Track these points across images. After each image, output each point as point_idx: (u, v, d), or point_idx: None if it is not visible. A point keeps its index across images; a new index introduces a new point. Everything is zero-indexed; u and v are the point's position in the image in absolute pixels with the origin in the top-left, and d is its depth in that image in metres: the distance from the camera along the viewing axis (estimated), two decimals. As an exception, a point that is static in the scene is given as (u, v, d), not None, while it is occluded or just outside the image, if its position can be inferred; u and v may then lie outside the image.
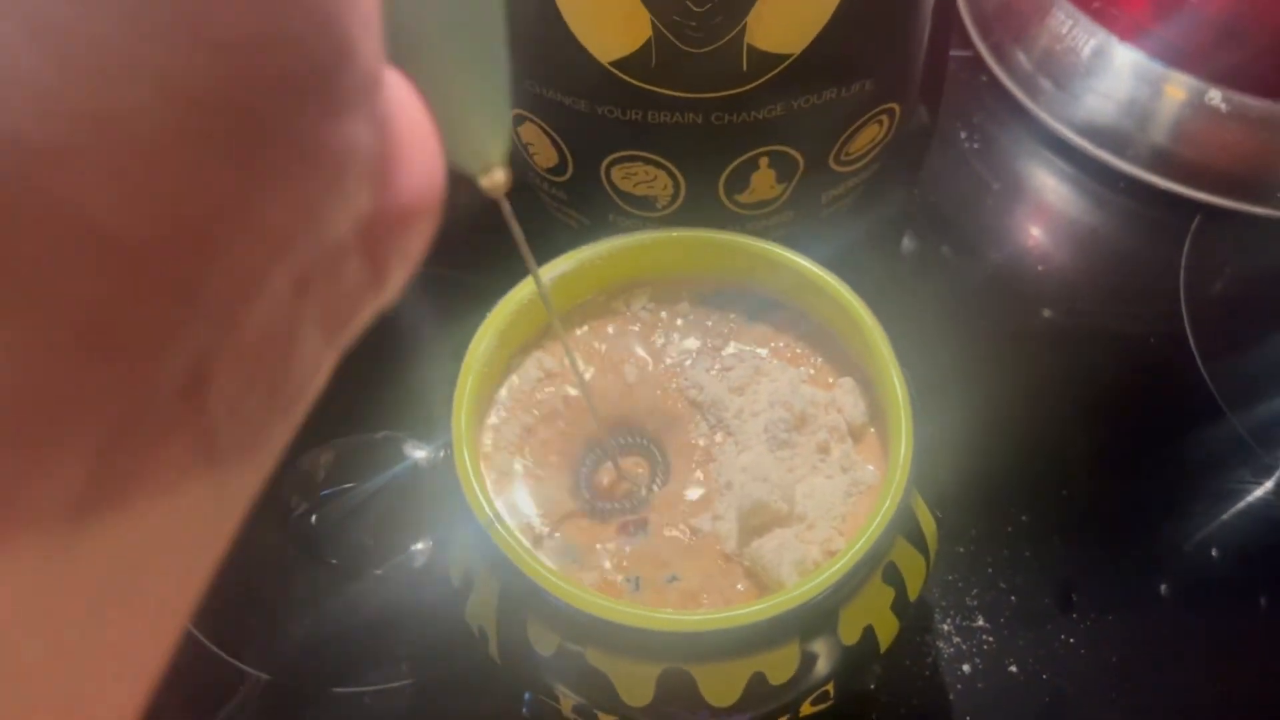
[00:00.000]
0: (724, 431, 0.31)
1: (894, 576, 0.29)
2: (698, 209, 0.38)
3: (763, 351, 0.33)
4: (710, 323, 0.34)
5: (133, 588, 0.12)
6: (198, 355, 0.11)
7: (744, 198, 0.38)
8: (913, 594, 0.30)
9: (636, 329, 0.34)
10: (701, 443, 0.31)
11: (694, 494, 0.30)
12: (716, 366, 0.33)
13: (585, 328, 0.34)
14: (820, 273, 0.32)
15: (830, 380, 0.33)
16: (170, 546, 0.12)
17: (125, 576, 0.12)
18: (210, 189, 0.10)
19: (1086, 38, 0.49)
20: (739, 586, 0.29)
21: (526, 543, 0.28)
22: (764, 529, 0.29)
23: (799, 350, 0.33)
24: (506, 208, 0.21)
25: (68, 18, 0.09)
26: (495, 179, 0.19)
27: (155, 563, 0.12)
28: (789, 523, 0.29)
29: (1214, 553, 0.40)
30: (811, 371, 0.33)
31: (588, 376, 0.32)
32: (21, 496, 0.10)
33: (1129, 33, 0.48)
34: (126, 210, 0.10)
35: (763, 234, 0.33)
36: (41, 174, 0.09)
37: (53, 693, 0.11)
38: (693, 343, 0.33)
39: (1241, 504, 0.41)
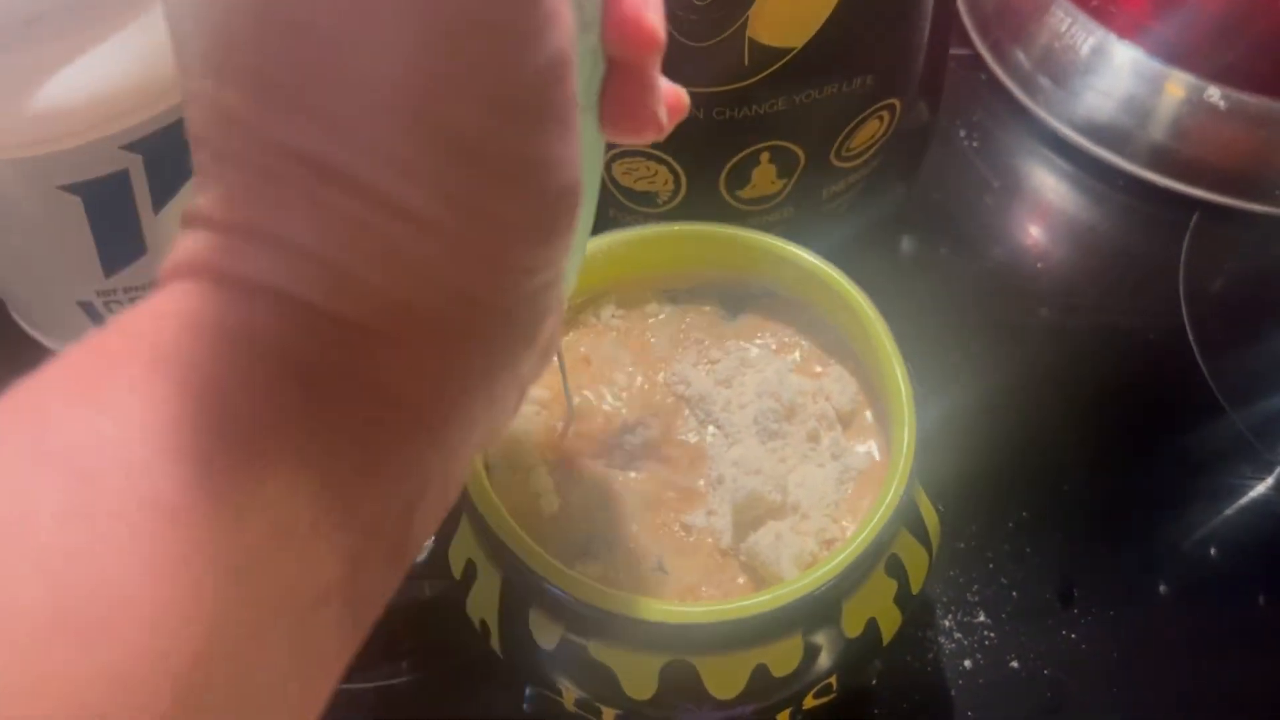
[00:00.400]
0: (714, 425, 0.31)
1: (897, 569, 0.29)
2: (699, 204, 0.38)
3: (747, 344, 0.33)
4: (689, 319, 0.34)
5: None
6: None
7: (745, 193, 0.38)
8: (915, 587, 0.30)
9: (613, 335, 0.33)
10: (692, 439, 0.31)
11: (686, 490, 0.30)
12: (704, 361, 0.33)
13: (569, 334, 0.33)
14: (819, 263, 0.32)
15: (818, 368, 0.33)
16: None
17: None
18: None
19: (1085, 35, 0.49)
20: (739, 580, 0.29)
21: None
22: (758, 522, 0.29)
23: (786, 339, 0.33)
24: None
25: None
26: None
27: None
28: (783, 514, 0.29)
29: (1213, 550, 0.40)
30: (798, 359, 0.33)
31: (576, 401, 0.31)
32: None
33: (1128, 30, 0.48)
34: None
35: (764, 229, 0.33)
36: None
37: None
38: (677, 339, 0.33)
39: (1242, 500, 0.41)
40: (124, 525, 0.13)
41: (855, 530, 0.27)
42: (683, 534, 0.29)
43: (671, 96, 0.21)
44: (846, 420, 0.31)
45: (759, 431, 0.30)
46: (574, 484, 0.30)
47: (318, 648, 0.15)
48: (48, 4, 0.29)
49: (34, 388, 0.14)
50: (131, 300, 0.36)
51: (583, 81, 0.18)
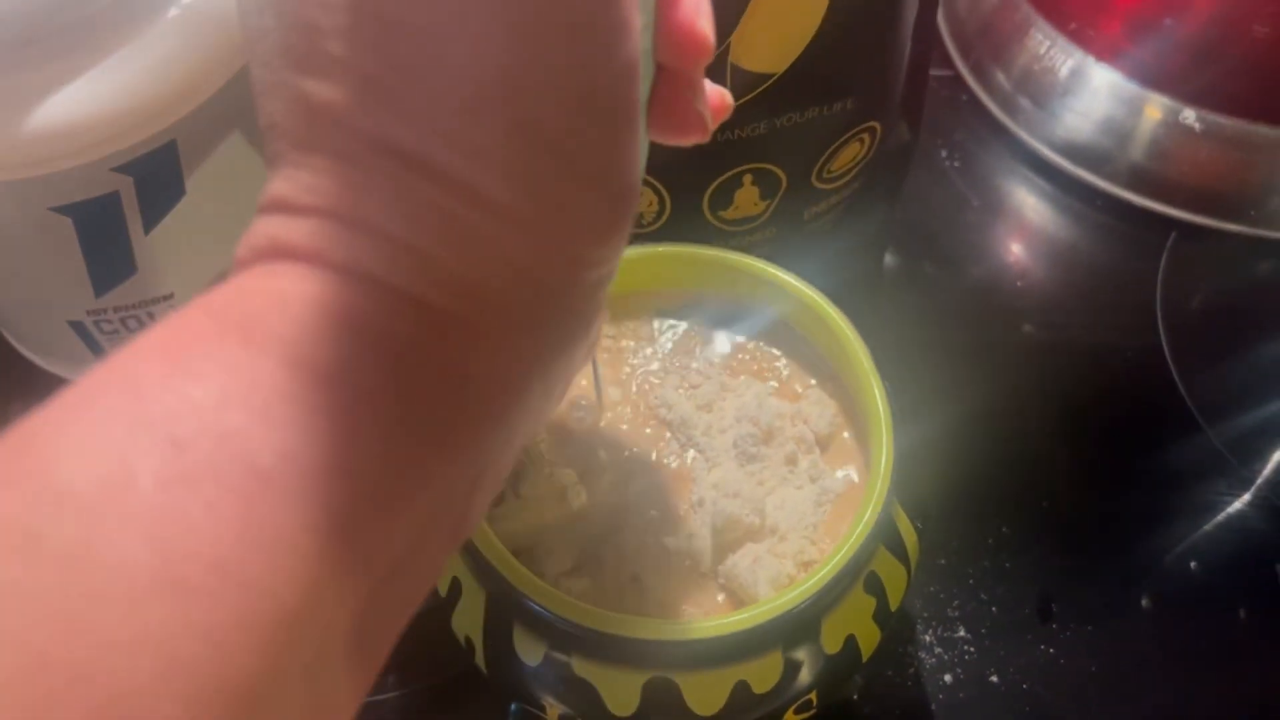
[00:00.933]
0: (695, 449, 0.32)
1: (875, 586, 0.29)
2: (683, 225, 0.39)
3: (728, 365, 0.34)
4: (674, 341, 0.34)
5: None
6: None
7: (728, 214, 0.39)
8: (894, 604, 0.30)
9: (605, 356, 0.34)
10: (674, 462, 0.32)
11: (669, 512, 0.31)
12: (685, 385, 0.33)
13: None
14: (799, 284, 0.33)
15: (798, 388, 0.33)
16: None
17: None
18: None
19: (1064, 58, 0.50)
20: (719, 598, 0.29)
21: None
22: (737, 544, 0.29)
23: (767, 360, 0.34)
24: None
25: None
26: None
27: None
28: (761, 536, 0.30)
29: (1192, 564, 0.40)
30: (776, 384, 0.33)
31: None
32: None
33: (1105, 53, 0.49)
34: None
35: (747, 249, 0.34)
36: None
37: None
38: (661, 360, 0.34)
39: (1219, 516, 0.42)
40: (219, 490, 0.13)
41: (832, 548, 0.28)
42: (664, 555, 0.30)
43: (716, 98, 0.22)
44: (825, 443, 0.32)
45: (738, 455, 0.31)
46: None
47: (387, 619, 0.16)
48: (41, 29, 0.29)
49: (124, 361, 0.15)
50: (122, 320, 0.37)
51: None
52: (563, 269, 0.17)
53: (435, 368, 0.16)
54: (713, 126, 0.22)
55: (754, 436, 0.31)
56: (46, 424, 0.14)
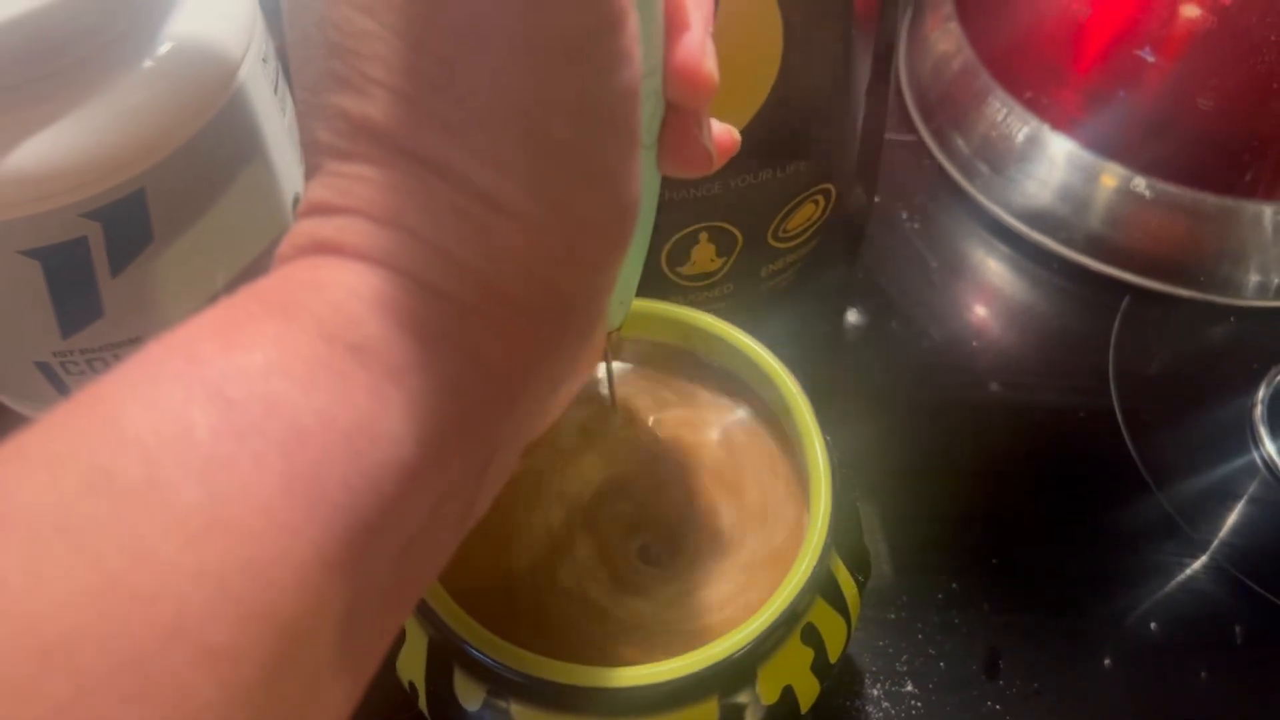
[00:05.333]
0: (635, 502, 0.33)
1: (813, 638, 0.30)
2: (642, 279, 0.40)
3: (676, 415, 0.34)
4: (625, 389, 0.35)
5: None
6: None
7: (685, 270, 0.40)
8: (833, 656, 0.30)
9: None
10: (627, 509, 0.32)
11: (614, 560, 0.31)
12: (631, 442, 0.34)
13: None
14: (745, 339, 0.33)
15: (742, 439, 0.34)
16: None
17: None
18: None
19: (1020, 125, 0.52)
20: (659, 642, 0.30)
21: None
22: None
23: (715, 411, 0.34)
24: (609, 355, 0.31)
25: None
26: (611, 338, 0.28)
27: None
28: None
29: (1152, 625, 0.41)
30: (724, 429, 0.34)
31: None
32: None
33: (1060, 122, 0.50)
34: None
35: (705, 304, 0.35)
36: None
37: None
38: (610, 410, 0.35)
39: (1176, 579, 0.42)
40: (265, 443, 0.15)
41: (770, 597, 0.28)
42: (610, 599, 0.30)
43: (723, 135, 0.24)
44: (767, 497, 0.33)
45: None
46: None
47: (394, 600, 0.18)
48: (15, 78, 0.30)
49: (181, 336, 0.16)
50: (88, 361, 0.37)
51: (645, 120, 0.21)
52: (570, 269, 0.19)
53: (453, 352, 0.18)
54: (719, 162, 0.24)
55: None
56: (114, 385, 0.16)
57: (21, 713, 0.12)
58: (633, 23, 0.18)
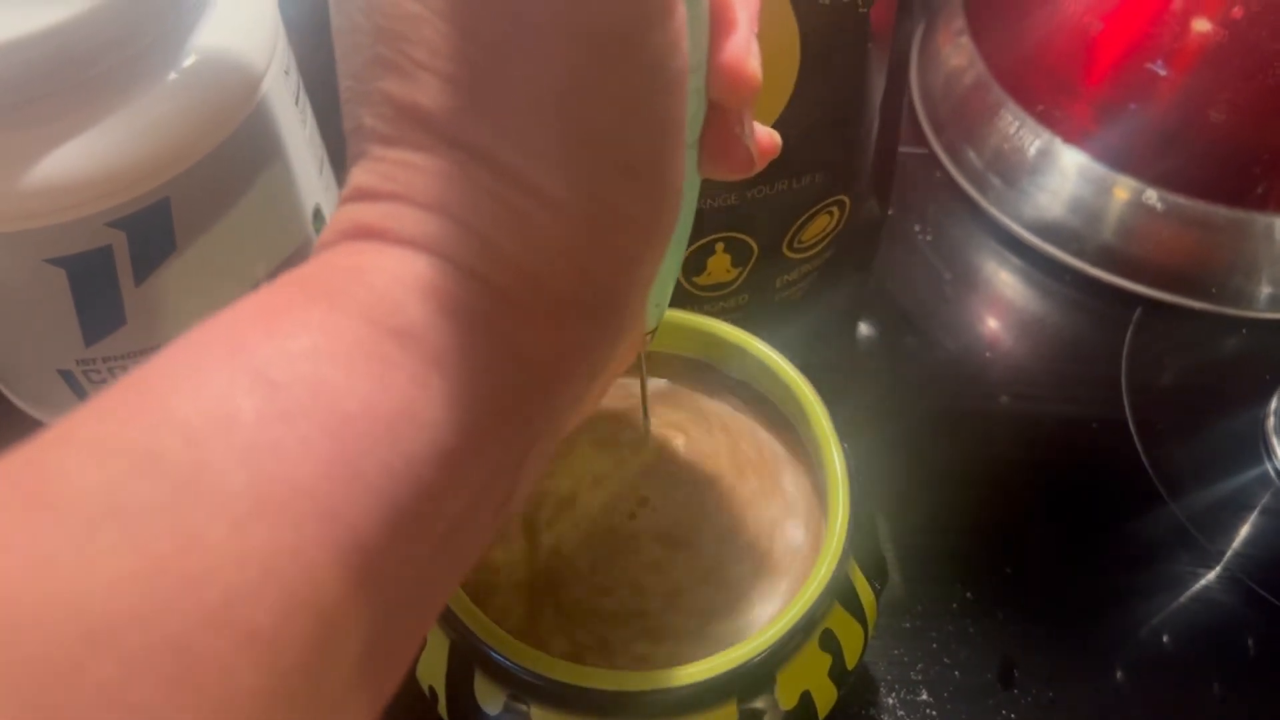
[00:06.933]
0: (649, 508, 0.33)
1: (831, 644, 0.30)
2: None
3: (693, 419, 0.35)
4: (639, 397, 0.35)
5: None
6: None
7: (702, 280, 0.40)
8: (850, 662, 0.31)
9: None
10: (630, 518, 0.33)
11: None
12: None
13: None
14: (762, 347, 0.34)
15: (761, 450, 0.34)
16: None
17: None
18: None
19: (1032, 138, 0.52)
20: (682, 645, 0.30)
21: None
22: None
23: (730, 417, 0.35)
24: (643, 354, 0.30)
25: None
26: (646, 339, 0.28)
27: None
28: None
29: (1165, 638, 0.41)
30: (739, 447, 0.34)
31: None
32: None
33: (1072, 135, 0.51)
34: None
35: (721, 314, 0.35)
36: None
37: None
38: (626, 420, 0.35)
39: (1189, 590, 0.42)
40: (310, 427, 0.15)
41: (788, 603, 0.28)
42: (629, 604, 0.31)
43: (764, 137, 0.24)
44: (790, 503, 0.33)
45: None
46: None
47: (442, 577, 0.18)
48: (42, 90, 0.31)
49: (226, 321, 0.17)
50: (110, 370, 0.38)
51: (688, 119, 0.21)
52: (609, 261, 0.19)
53: (493, 339, 0.18)
54: (760, 164, 0.23)
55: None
56: (161, 370, 0.16)
57: (66, 694, 0.12)
58: (680, 14, 0.18)
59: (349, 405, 0.16)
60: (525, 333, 0.18)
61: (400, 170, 0.18)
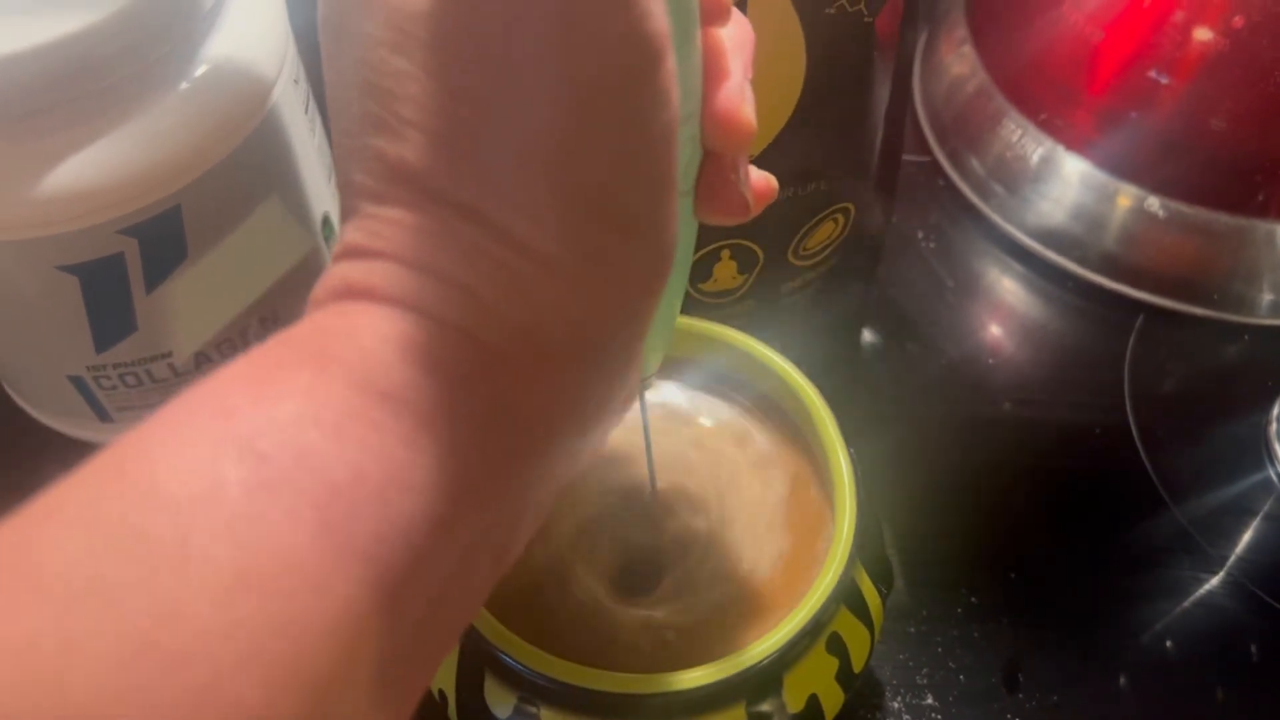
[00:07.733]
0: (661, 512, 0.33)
1: (838, 647, 0.30)
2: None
3: (702, 427, 0.35)
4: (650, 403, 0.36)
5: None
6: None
7: (708, 286, 0.41)
8: (857, 666, 0.31)
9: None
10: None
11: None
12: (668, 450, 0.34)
13: None
14: (769, 353, 0.34)
15: (768, 454, 0.34)
16: None
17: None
18: None
19: (1034, 146, 0.52)
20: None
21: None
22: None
23: (739, 425, 0.35)
24: (644, 396, 0.30)
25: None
26: (647, 382, 0.28)
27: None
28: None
29: (1168, 643, 0.41)
30: (747, 451, 0.34)
31: None
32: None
33: (1074, 143, 0.51)
34: None
35: (726, 320, 0.36)
36: None
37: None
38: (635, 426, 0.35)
39: (1193, 595, 0.42)
40: (297, 498, 0.15)
41: (796, 606, 0.29)
42: (639, 607, 0.31)
43: (760, 182, 0.24)
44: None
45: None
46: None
47: (440, 632, 0.18)
48: (56, 99, 0.31)
49: (212, 386, 0.16)
50: (121, 376, 0.38)
51: (683, 166, 0.21)
52: (601, 314, 0.19)
53: (486, 399, 0.18)
54: (756, 210, 0.23)
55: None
56: (146, 439, 0.15)
57: None
58: (670, 66, 0.17)
59: (337, 474, 0.15)
60: (517, 388, 0.18)
61: (389, 228, 0.18)
